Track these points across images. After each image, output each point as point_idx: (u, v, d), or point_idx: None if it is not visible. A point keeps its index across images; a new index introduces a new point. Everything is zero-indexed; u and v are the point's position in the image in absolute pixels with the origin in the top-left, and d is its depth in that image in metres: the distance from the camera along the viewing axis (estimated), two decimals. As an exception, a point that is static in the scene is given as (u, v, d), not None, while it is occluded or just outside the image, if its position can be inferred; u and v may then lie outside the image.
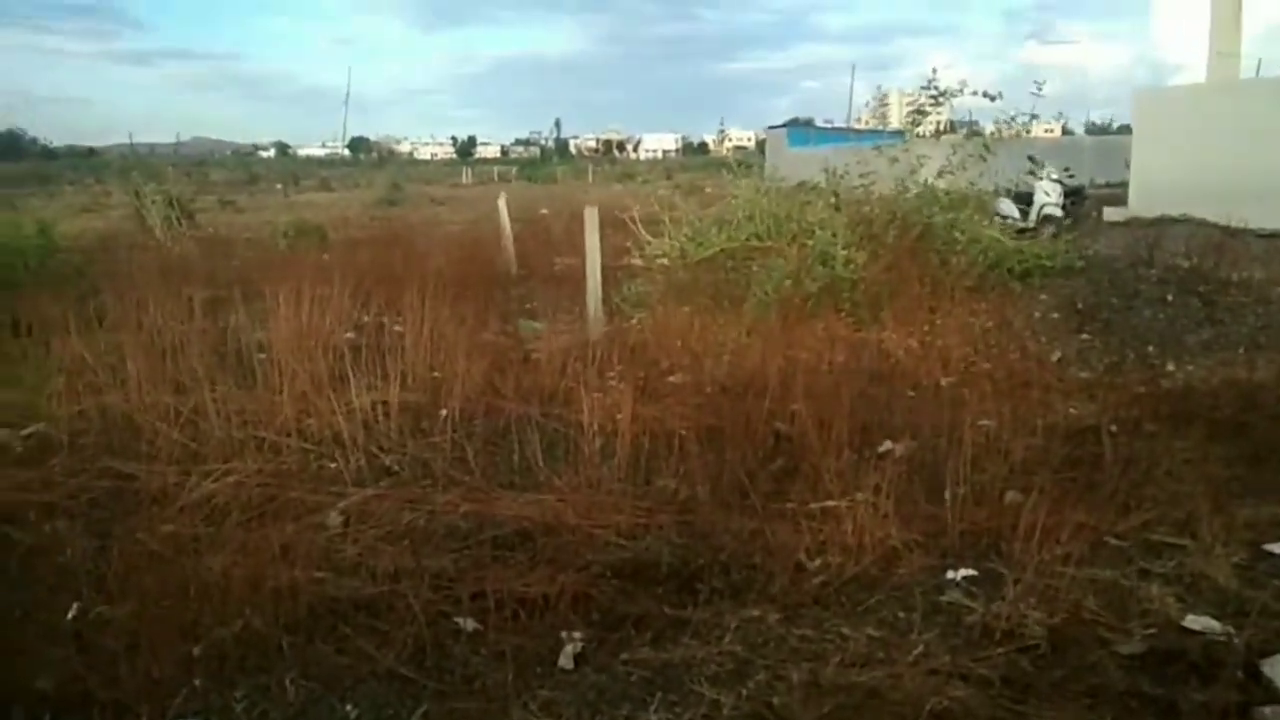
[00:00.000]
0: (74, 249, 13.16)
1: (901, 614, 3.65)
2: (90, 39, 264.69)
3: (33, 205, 34.45)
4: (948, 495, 4.53)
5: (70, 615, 3.60)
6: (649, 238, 9.86)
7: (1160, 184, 13.69)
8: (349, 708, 3.06)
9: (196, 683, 3.13)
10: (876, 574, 3.93)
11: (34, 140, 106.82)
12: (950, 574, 3.92)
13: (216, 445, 5.12)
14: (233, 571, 3.63)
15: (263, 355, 6.54)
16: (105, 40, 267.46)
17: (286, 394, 5.60)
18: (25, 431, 5.54)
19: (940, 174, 9.35)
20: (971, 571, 3.93)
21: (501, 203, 13.88)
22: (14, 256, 9.82)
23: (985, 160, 9.34)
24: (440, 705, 3.10)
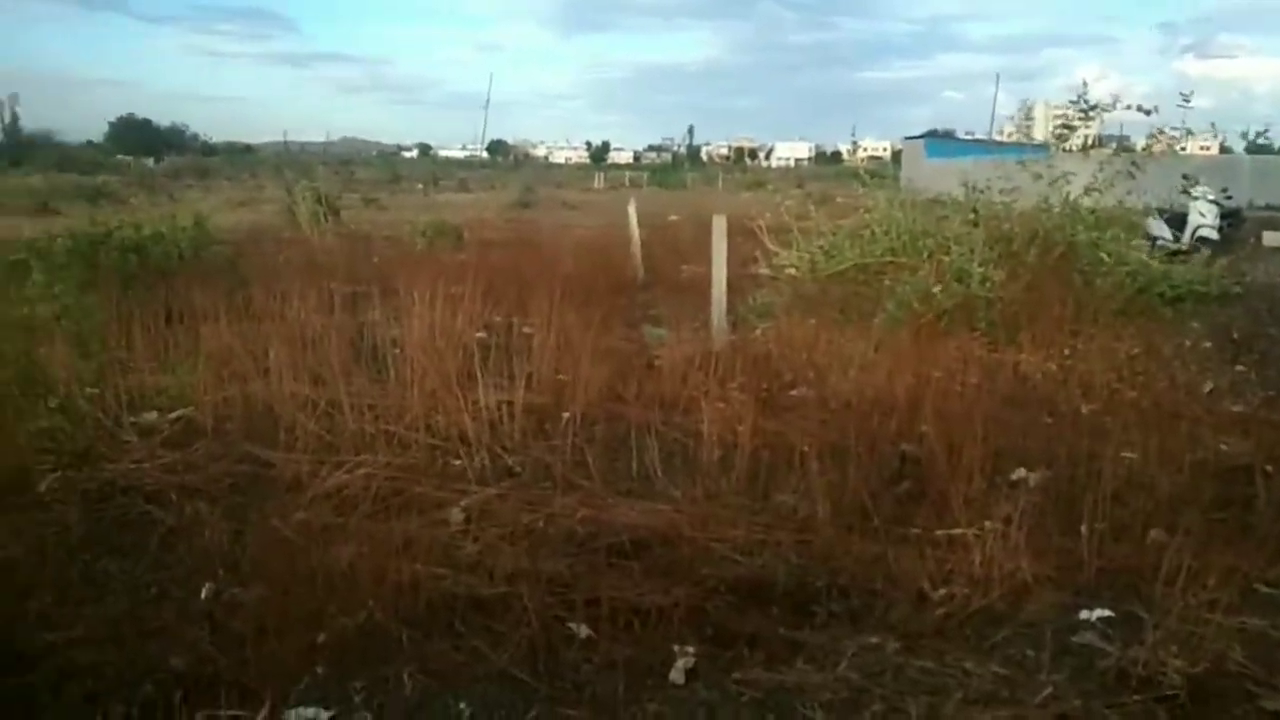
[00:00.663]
0: (227, 241, 13.88)
1: (1030, 652, 3.49)
2: (249, 41, 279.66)
3: (191, 197, 36.60)
4: (1085, 530, 4.32)
5: (204, 595, 3.77)
6: (777, 248, 9.74)
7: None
8: (463, 705, 3.11)
9: (319, 670, 3.23)
10: (1004, 608, 3.76)
11: (195, 136, 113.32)
12: (1084, 614, 3.73)
13: (349, 437, 5.30)
14: (359, 562, 3.74)
15: (396, 351, 6.73)
16: (263, 42, 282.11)
17: (417, 390, 5.75)
18: (173, 415, 5.85)
19: (1087, 191, 8.94)
20: (1107, 612, 3.73)
21: (631, 209, 13.98)
22: (170, 247, 10.39)
23: (1134, 177, 8.88)
24: (551, 710, 3.12)
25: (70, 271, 7.30)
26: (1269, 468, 5.09)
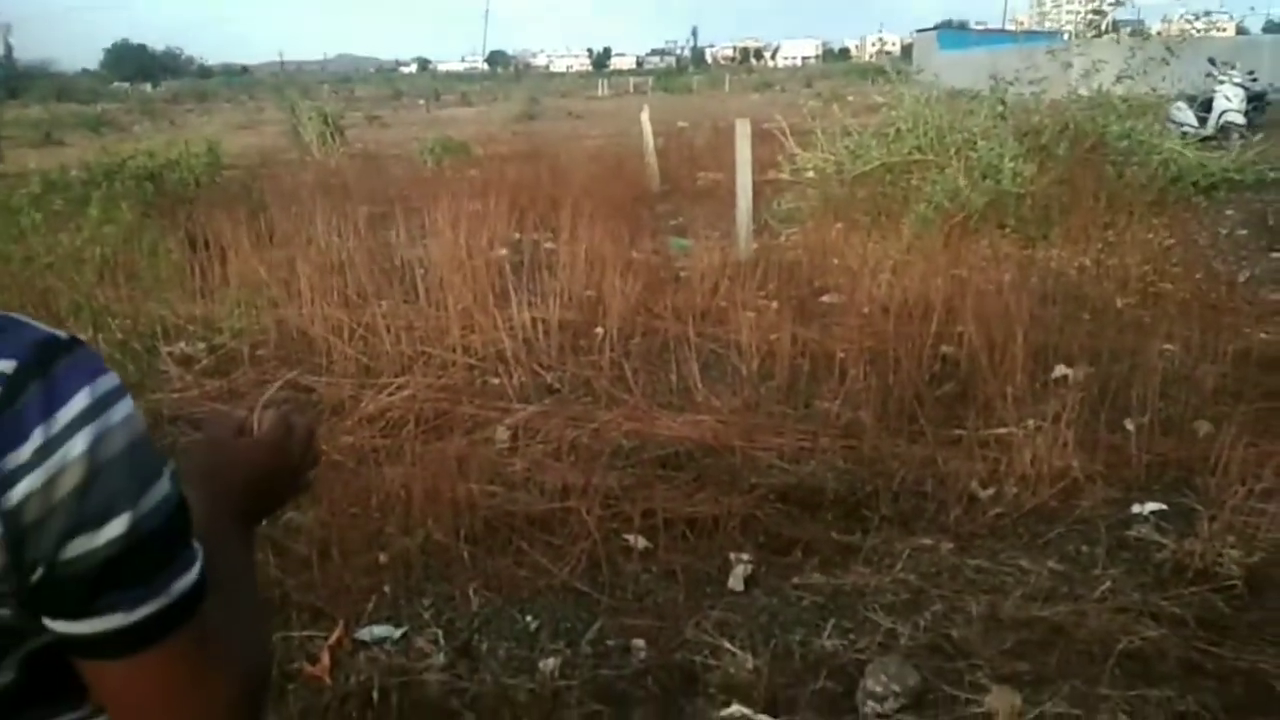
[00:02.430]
0: (238, 166, 13.74)
1: (1085, 548, 3.51)
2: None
3: (192, 122, 36.19)
4: (1130, 425, 4.31)
5: (263, 521, 3.81)
6: (800, 151, 9.56)
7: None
8: (529, 619, 3.16)
9: (386, 589, 3.28)
10: (1056, 506, 3.78)
11: (191, 59, 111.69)
12: (1136, 508, 3.74)
13: (387, 360, 5.30)
14: (411, 483, 3.76)
15: (423, 271, 6.69)
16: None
17: (451, 310, 5.73)
18: (209, 344, 5.85)
19: (1119, 79, 8.69)
20: (1160, 506, 3.74)
21: (644, 117, 13.70)
22: (185, 174, 10.28)
23: (1168, 63, 8.61)
24: (615, 620, 3.16)
25: (117, 204, 7.22)
26: (1313, 356, 5.05)
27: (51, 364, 0.66)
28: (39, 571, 0.65)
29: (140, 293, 6.39)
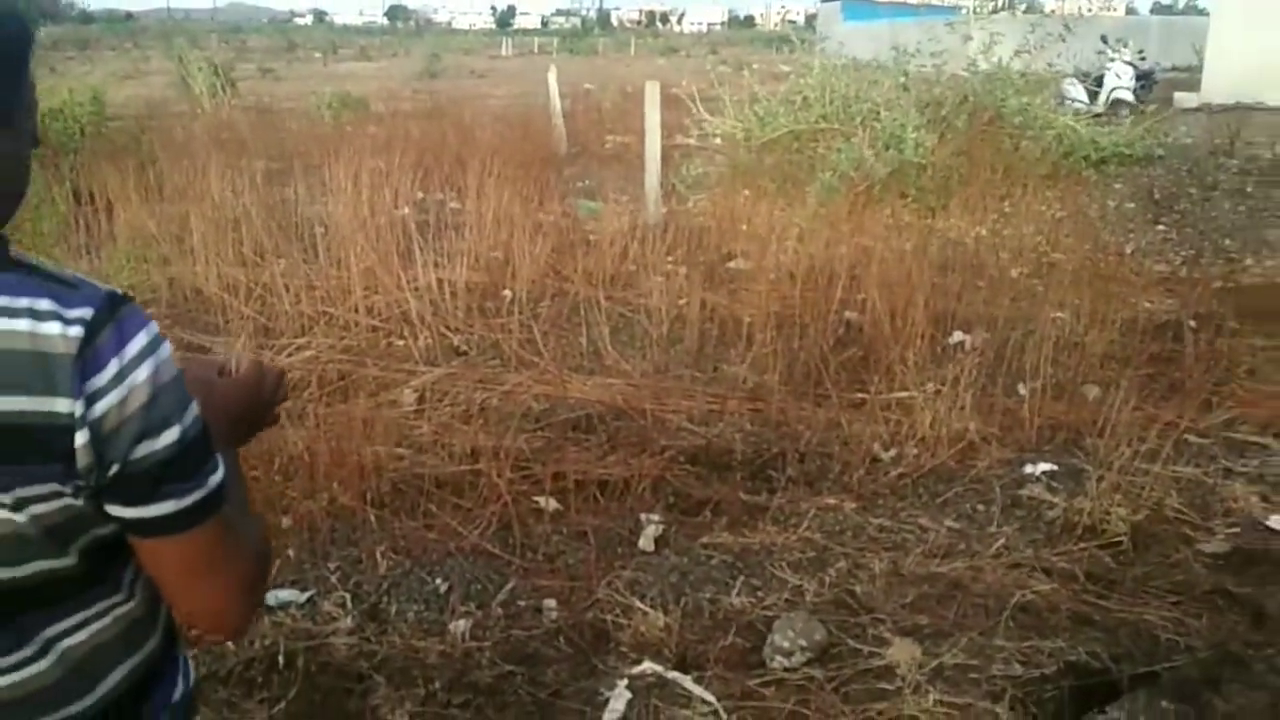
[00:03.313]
0: (123, 116, 13.07)
1: (981, 507, 3.64)
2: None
3: (74, 70, 34.17)
4: (1024, 389, 4.47)
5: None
6: (708, 117, 9.56)
7: (1237, 69, 13.05)
8: (438, 581, 3.13)
9: (290, 553, 3.20)
10: (954, 466, 3.91)
11: (70, 4, 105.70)
12: (1029, 468, 3.89)
13: (287, 320, 5.14)
14: (316, 446, 3.67)
15: (323, 230, 6.50)
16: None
17: (353, 270, 5.58)
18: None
19: (1016, 54, 8.92)
20: (1051, 466, 3.90)
21: (551, 77, 13.50)
22: (70, 123, 9.74)
23: (1064, 40, 8.88)
24: (527, 581, 3.16)
25: None
26: (1193, 324, 5.31)
27: (117, 311, 0.86)
28: (114, 469, 0.86)
29: (22, 247, 6.03)
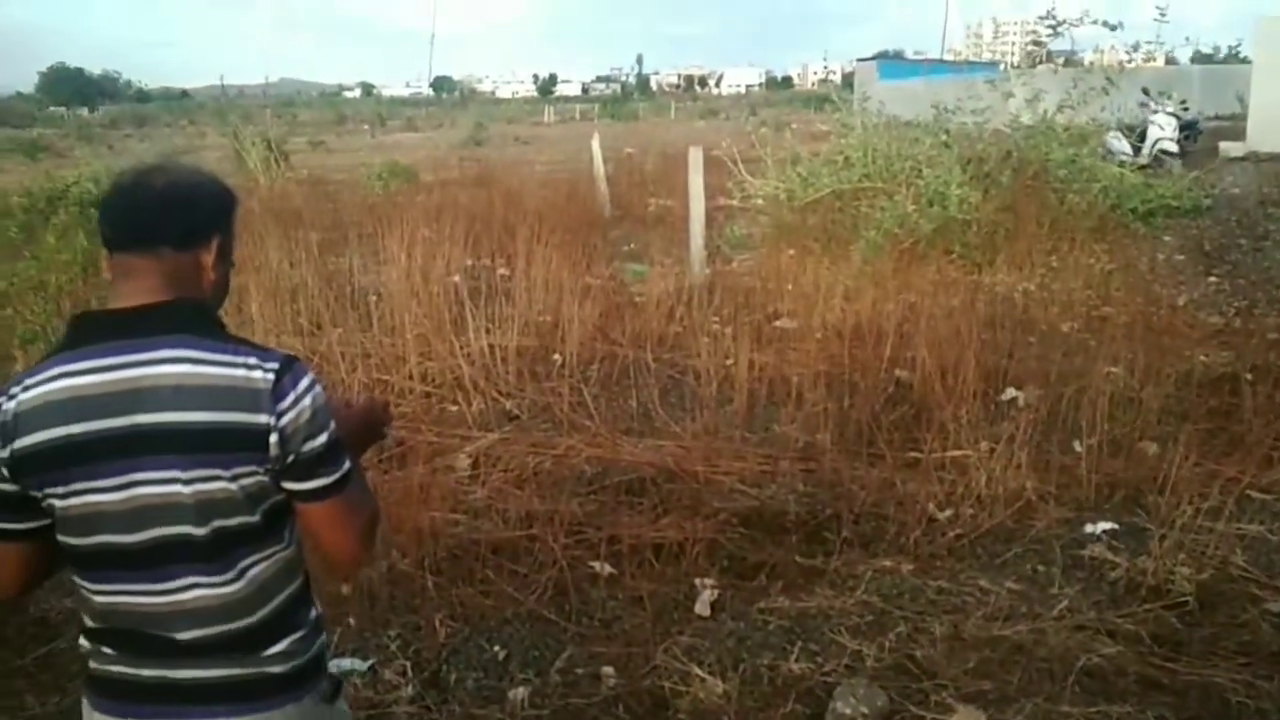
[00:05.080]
0: (182, 192, 13.45)
1: (1041, 568, 3.59)
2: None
3: (133, 147, 35.48)
4: (1080, 446, 4.42)
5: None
6: (750, 178, 9.67)
7: (1284, 117, 12.88)
8: (497, 648, 3.14)
9: (351, 621, 3.24)
10: (1012, 526, 3.87)
11: (129, 83, 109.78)
12: (1089, 527, 3.84)
13: (344, 389, 5.24)
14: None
15: (377, 298, 6.64)
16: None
17: (407, 337, 5.69)
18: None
19: (1060, 108, 8.93)
20: (1111, 525, 3.84)
21: (595, 144, 13.76)
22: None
23: (1108, 94, 8.88)
24: (584, 648, 3.16)
25: (74, 232, 7.10)
26: (1249, 377, 5.22)
27: (294, 363, 1.41)
28: (290, 458, 1.39)
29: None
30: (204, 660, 1.41)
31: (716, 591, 3.46)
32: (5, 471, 1.37)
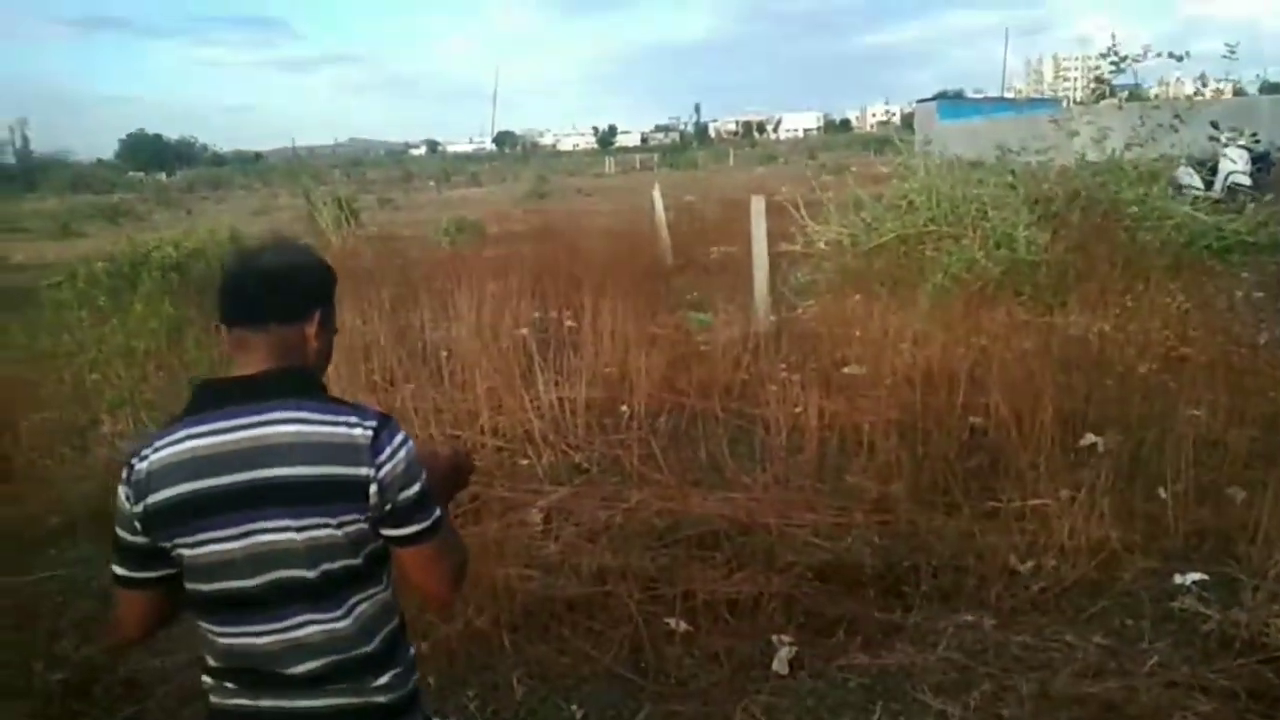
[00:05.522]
0: (258, 252, 13.89)
1: (1130, 621, 3.49)
2: (250, 49, 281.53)
3: (209, 210, 36.79)
4: (1164, 493, 4.29)
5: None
6: (813, 224, 9.66)
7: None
8: (574, 707, 3.14)
9: (430, 681, 3.26)
10: (1097, 578, 3.76)
11: (204, 147, 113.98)
12: (1178, 578, 3.72)
13: (418, 445, 5.31)
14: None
15: (448, 353, 6.75)
16: (265, 50, 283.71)
17: (478, 392, 5.77)
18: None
19: (1128, 145, 8.79)
20: (1201, 575, 3.72)
21: (656, 193, 13.91)
22: (210, 262, 10.45)
23: (1176, 129, 8.72)
24: (661, 707, 3.14)
25: (160, 298, 7.42)
26: (1341, 418, 5.03)
27: (389, 421, 1.58)
28: (388, 506, 1.54)
29: (179, 368, 6.49)
30: (317, 691, 1.57)
31: (794, 648, 3.42)
32: (138, 525, 1.54)
